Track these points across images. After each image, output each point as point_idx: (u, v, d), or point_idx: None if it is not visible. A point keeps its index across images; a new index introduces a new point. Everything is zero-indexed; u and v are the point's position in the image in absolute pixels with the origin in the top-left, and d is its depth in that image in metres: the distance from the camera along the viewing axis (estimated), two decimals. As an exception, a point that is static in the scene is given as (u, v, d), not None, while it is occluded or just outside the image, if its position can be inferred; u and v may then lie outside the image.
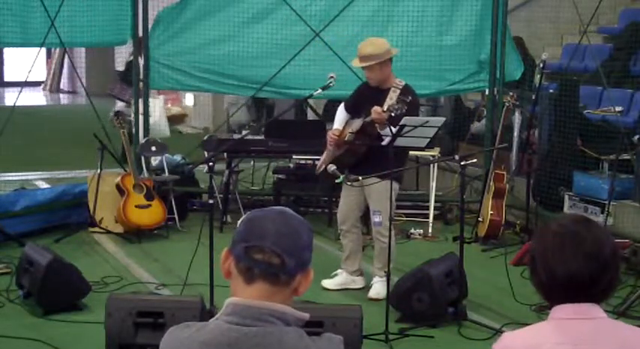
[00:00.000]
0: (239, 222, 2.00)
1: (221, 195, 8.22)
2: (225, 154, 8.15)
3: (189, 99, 15.11)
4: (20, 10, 8.19)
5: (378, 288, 6.10)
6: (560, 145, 8.20)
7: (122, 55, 11.02)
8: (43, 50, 13.21)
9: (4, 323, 5.48)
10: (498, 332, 5.22)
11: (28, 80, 9.15)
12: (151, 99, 13.46)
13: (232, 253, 1.96)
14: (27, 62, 9.63)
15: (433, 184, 8.25)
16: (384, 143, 5.82)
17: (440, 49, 8.49)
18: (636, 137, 7.38)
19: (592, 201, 7.74)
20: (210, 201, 5.42)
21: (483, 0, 8.36)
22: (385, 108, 5.69)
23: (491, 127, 8.42)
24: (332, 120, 6.53)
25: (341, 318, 4.72)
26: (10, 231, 7.23)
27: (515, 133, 8.76)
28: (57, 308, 5.67)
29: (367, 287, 6.24)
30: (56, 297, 5.68)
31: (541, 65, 8.40)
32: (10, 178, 10.11)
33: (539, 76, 8.52)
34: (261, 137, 8.68)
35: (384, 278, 5.81)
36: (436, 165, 8.24)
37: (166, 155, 8.68)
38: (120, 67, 13.88)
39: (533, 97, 8.38)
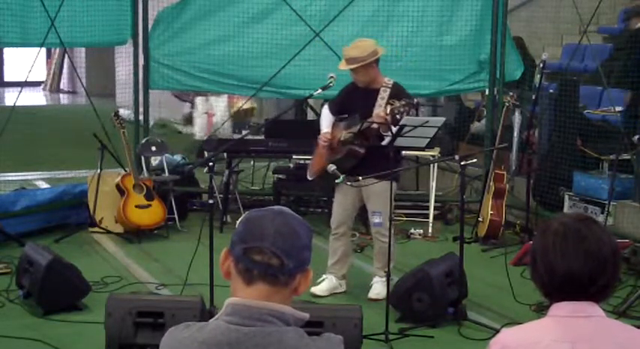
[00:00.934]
0: (238, 221, 2.00)
1: (221, 195, 8.22)
2: (225, 154, 8.15)
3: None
4: (20, 10, 8.19)
5: (379, 288, 6.09)
6: (560, 145, 8.20)
7: (122, 55, 11.00)
8: (43, 50, 13.21)
9: (4, 323, 5.48)
10: (498, 332, 5.22)
11: (28, 80, 9.15)
12: (213, 98, 13.31)
13: (231, 254, 1.96)
14: (27, 62, 9.62)
15: (433, 184, 8.25)
16: (383, 143, 5.81)
17: (440, 49, 8.49)
18: (636, 137, 7.38)
19: (592, 201, 7.74)
20: (210, 201, 5.42)
21: (483, 0, 8.36)
22: (388, 110, 5.66)
23: (491, 127, 8.42)
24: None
25: (341, 318, 4.72)
26: (10, 231, 7.24)
27: (515, 133, 8.76)
28: (57, 308, 5.67)
29: (367, 288, 6.23)
30: (56, 297, 5.67)
31: (541, 65, 8.39)
32: (10, 178, 10.10)
33: (539, 76, 8.51)
34: (261, 137, 8.68)
35: (385, 278, 5.82)
36: (436, 165, 8.24)
37: (166, 155, 8.68)
38: (120, 67, 13.87)
39: (533, 97, 8.37)
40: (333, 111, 6.19)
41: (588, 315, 2.12)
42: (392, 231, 5.76)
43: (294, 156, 8.52)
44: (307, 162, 8.46)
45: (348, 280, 6.30)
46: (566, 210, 8.00)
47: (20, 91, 8.79)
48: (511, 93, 8.08)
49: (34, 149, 12.52)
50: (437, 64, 8.51)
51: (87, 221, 7.84)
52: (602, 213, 7.50)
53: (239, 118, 12.38)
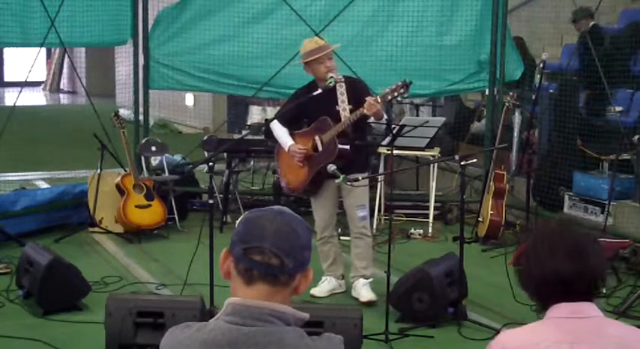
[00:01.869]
0: (238, 221, 2.00)
1: (221, 195, 8.22)
2: (225, 154, 8.15)
3: (189, 99, 15.12)
4: (20, 10, 8.19)
5: (364, 292, 5.98)
6: (560, 145, 8.20)
7: (122, 55, 11.01)
8: (43, 50, 13.23)
9: (4, 323, 5.48)
10: (498, 332, 5.23)
11: (28, 80, 9.15)
12: (270, 109, 13.23)
13: (231, 254, 1.96)
14: (27, 62, 9.63)
15: (433, 184, 8.25)
16: (383, 143, 5.80)
17: (440, 49, 8.49)
18: (636, 137, 7.38)
19: (592, 201, 7.75)
20: (210, 201, 5.42)
21: (483, 0, 8.36)
22: (379, 97, 5.56)
23: (491, 127, 8.42)
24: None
25: (341, 318, 4.72)
26: (10, 231, 7.24)
27: (515, 133, 8.76)
28: (57, 308, 5.67)
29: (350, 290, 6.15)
30: (56, 297, 5.67)
31: (541, 65, 8.40)
32: (10, 178, 10.11)
33: (539, 76, 8.52)
34: (261, 137, 8.67)
35: (369, 281, 5.85)
36: (436, 165, 8.23)
37: (166, 155, 8.68)
38: (119, 67, 13.88)
39: (533, 97, 8.38)
40: (287, 125, 6.07)
41: (587, 316, 2.13)
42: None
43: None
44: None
45: (346, 280, 6.29)
46: (566, 210, 8.00)
47: (20, 91, 8.80)
48: (511, 93, 8.07)
49: (34, 149, 12.55)
50: (437, 64, 8.51)
51: (87, 221, 7.84)
52: (602, 213, 7.50)
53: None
